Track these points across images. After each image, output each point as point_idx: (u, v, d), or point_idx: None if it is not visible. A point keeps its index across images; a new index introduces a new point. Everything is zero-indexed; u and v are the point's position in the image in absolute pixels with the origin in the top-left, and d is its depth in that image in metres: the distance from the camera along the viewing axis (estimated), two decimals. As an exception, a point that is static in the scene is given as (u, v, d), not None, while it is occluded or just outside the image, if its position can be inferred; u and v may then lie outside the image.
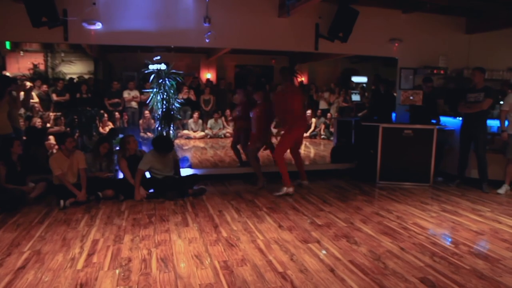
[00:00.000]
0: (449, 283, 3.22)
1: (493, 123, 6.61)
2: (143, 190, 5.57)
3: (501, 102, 6.42)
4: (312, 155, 9.59)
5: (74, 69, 12.78)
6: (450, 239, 4.25)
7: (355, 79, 14.08)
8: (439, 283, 3.23)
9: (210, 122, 11.76)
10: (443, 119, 7.14)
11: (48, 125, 9.07)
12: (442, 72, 7.68)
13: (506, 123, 6.11)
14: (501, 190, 6.13)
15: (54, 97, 10.14)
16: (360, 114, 8.08)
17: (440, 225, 4.70)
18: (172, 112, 6.80)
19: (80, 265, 3.49)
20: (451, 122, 7.04)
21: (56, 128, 8.83)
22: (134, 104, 11.06)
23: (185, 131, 11.49)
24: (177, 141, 9.58)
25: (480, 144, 6.24)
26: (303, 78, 14.41)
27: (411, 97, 6.84)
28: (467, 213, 5.15)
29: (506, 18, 7.08)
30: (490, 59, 7.83)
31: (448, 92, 7.65)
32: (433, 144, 6.53)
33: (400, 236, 4.28)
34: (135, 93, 11.05)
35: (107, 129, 9.35)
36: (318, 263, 3.56)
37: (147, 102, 9.94)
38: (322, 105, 12.70)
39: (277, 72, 14.37)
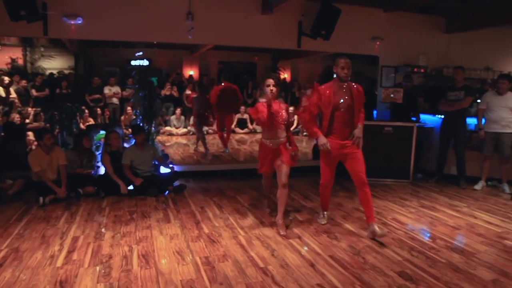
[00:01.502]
0: (426, 276, 3.30)
1: (471, 121, 6.75)
2: (125, 187, 5.54)
3: (478, 101, 6.57)
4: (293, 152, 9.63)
5: (54, 64, 12.58)
6: (427, 234, 4.34)
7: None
8: (416, 276, 3.30)
9: (193, 118, 11.70)
10: (423, 116, 7.27)
11: (27, 120, 8.92)
12: (422, 70, 7.80)
13: (483, 121, 6.26)
14: (478, 186, 6.28)
15: (34, 92, 9.96)
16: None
17: (418, 220, 4.79)
18: (153, 109, 6.74)
19: (59, 262, 3.46)
20: (431, 119, 7.16)
21: (35, 124, 8.69)
22: (115, 100, 10.95)
23: (168, 128, 11.42)
24: (159, 138, 9.50)
25: (460, 142, 6.38)
26: (286, 75, 14.48)
27: (391, 95, 6.94)
28: (444, 208, 5.26)
29: (483, 18, 7.23)
30: (468, 58, 7.98)
31: (428, 90, 7.78)
32: (413, 141, 6.64)
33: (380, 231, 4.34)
34: (116, 89, 10.94)
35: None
36: (299, 258, 3.60)
37: (130, 99, 9.89)
38: (305, 102, 12.75)
39: (260, 68, 14.44)
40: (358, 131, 4.20)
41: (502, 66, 8.94)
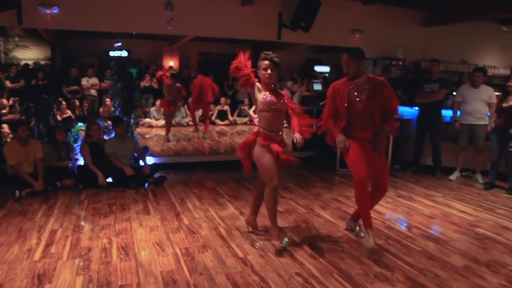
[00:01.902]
0: (401, 264, 3.38)
1: (447, 113, 6.89)
2: (103, 178, 5.49)
3: (454, 93, 6.71)
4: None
5: (29, 54, 12.30)
6: (404, 223, 4.44)
7: (318, 68, 14.27)
8: (392, 264, 3.39)
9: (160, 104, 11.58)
10: (401, 109, 7.37)
11: (4, 111, 8.72)
12: (400, 63, 7.92)
13: (459, 113, 6.40)
14: (453, 177, 6.44)
15: (8, 83, 9.75)
16: (321, 103, 8.21)
17: (395, 210, 4.90)
18: (132, 100, 6.68)
19: (37, 256, 3.42)
20: (408, 111, 7.28)
21: (10, 116, 8.51)
22: (93, 91, 10.80)
23: (147, 120, 11.33)
24: (138, 130, 9.43)
25: (435, 133, 6.52)
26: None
27: (370, 87, 7.01)
28: (421, 198, 5.38)
29: (460, 13, 7.39)
30: (445, 51, 8.14)
31: (406, 82, 7.90)
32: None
33: (357, 221, 4.43)
34: (94, 80, 10.79)
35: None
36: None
37: (108, 90, 9.75)
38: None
39: (241, 60, 14.39)
40: (379, 138, 3.63)
41: (477, 60, 9.15)
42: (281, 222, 4.31)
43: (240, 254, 3.52)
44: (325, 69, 14.15)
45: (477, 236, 4.10)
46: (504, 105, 5.75)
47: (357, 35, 7.40)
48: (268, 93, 3.53)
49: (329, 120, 3.74)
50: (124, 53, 13.14)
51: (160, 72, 9.67)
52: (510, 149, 5.71)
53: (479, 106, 6.17)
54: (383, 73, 7.38)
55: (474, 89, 6.23)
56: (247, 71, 3.49)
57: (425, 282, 3.11)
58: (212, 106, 12.26)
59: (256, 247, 3.67)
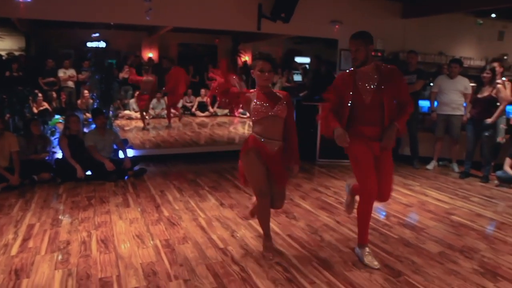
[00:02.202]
0: (379, 251, 3.46)
1: (424, 104, 7.01)
2: (81, 171, 5.42)
3: (431, 84, 6.82)
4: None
5: (2, 45, 11.95)
6: (382, 212, 4.52)
7: (298, 59, 14.30)
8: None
9: (153, 102, 11.50)
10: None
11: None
12: (379, 54, 7.99)
13: (436, 103, 6.52)
14: (430, 166, 6.57)
15: (-20, 75, 9.49)
16: (301, 94, 8.25)
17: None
18: (111, 92, 6.60)
19: (14, 250, 3.37)
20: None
21: (-16, 109, 8.31)
22: (70, 83, 10.60)
23: (126, 112, 11.19)
24: (118, 122, 9.32)
25: (413, 124, 6.61)
26: (247, 58, 14.44)
27: (349, 78, 7.07)
28: (398, 187, 5.48)
29: (438, 5, 7.48)
30: (423, 43, 8.26)
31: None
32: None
33: (337, 210, 4.50)
34: (72, 72, 10.58)
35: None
36: (258, 238, 3.67)
37: (86, 82, 9.60)
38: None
39: (221, 51, 14.32)
40: (386, 135, 3.14)
41: (454, 51, 9.33)
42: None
43: (221, 245, 3.54)
44: (306, 60, 14.19)
45: (452, 223, 4.21)
46: (479, 96, 5.87)
47: (337, 26, 7.43)
48: (257, 101, 3.11)
49: (330, 113, 3.23)
50: (102, 44, 12.93)
51: (132, 78, 9.81)
52: (485, 139, 5.86)
53: (455, 97, 6.28)
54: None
55: (450, 80, 6.34)
56: (235, 90, 3.15)
57: (402, 268, 3.19)
58: (192, 97, 12.22)
59: (237, 237, 3.70)
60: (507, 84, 6.11)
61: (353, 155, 3.23)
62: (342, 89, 3.22)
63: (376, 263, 3.20)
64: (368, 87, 3.16)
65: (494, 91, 5.70)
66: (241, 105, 3.23)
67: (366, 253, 3.27)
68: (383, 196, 3.31)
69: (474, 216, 4.46)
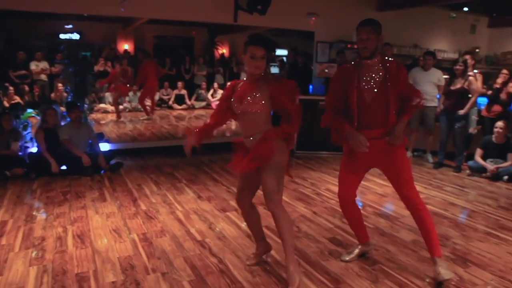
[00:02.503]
0: (355, 241, 3.49)
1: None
2: (56, 165, 5.32)
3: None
4: (233, 127, 9.71)
5: (-31, 37, 11.59)
6: (358, 202, 4.58)
7: (276, 52, 14.29)
8: (346, 241, 3.53)
9: (130, 95, 11.36)
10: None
11: None
12: (355, 46, 8.02)
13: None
14: (405, 156, 6.69)
15: None
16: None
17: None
18: (86, 85, 6.48)
19: (-14, 248, 3.31)
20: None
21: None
22: (43, 76, 10.36)
23: (102, 105, 11.01)
24: (93, 116, 9.18)
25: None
26: (224, 50, 14.38)
27: (326, 70, 7.15)
28: (375, 178, 5.57)
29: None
30: (398, 35, 8.37)
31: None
32: (346, 115, 6.90)
33: (313, 201, 4.56)
34: (44, 64, 10.33)
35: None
36: (236, 230, 3.70)
37: (60, 75, 9.41)
38: (243, 77, 12.79)
39: (198, 43, 14.20)
40: (395, 132, 2.78)
41: (428, 44, 9.49)
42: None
43: (198, 237, 3.54)
44: (283, 52, 14.20)
45: (425, 212, 4.31)
46: (452, 88, 6.00)
47: (313, 18, 7.46)
48: (234, 97, 2.78)
49: (335, 114, 2.89)
50: (75, 36, 12.65)
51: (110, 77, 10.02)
52: (457, 130, 6.00)
53: (429, 89, 6.40)
54: (338, 57, 7.51)
55: (424, 72, 6.46)
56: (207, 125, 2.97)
57: (377, 257, 3.26)
58: (169, 90, 12.11)
59: (214, 230, 3.71)
60: (479, 77, 6.27)
61: (343, 157, 3.05)
62: (345, 84, 2.85)
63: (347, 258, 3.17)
64: (370, 84, 2.81)
65: (466, 83, 5.84)
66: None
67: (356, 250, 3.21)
68: (407, 199, 2.96)
69: (447, 205, 4.58)
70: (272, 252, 3.29)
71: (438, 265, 2.84)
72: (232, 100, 2.79)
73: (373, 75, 2.81)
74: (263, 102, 2.70)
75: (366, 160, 2.93)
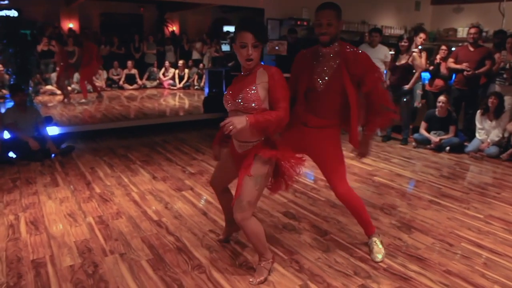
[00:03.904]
0: (307, 213, 3.68)
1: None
2: None
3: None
4: (186, 106, 9.65)
5: None
6: (311, 177, 4.76)
7: (227, 28, 14.19)
8: (299, 214, 3.68)
9: (76, 75, 10.96)
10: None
11: None
12: (305, 23, 8.17)
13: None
14: (354, 131, 6.94)
15: None
16: (229, 64, 8.28)
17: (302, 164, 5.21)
18: (29, 66, 6.20)
19: None
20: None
21: None
22: (-18, 57, 9.76)
23: (48, 87, 10.55)
24: (40, 98, 8.81)
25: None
26: (174, 28, 14.08)
27: (276, 47, 7.21)
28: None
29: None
30: (346, 12, 8.46)
31: (310, 42, 8.18)
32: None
33: (268, 177, 4.67)
34: (-19, 44, 9.72)
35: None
36: (192, 208, 3.76)
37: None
38: (195, 55, 12.66)
39: (146, 20, 13.82)
40: (362, 146, 2.85)
41: (376, 20, 9.74)
42: (193, 183, 4.42)
43: (155, 217, 3.58)
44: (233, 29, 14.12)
45: (374, 183, 4.55)
46: (397, 63, 6.24)
47: (263, -4, 7.48)
48: (228, 90, 2.53)
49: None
50: (13, 13, 11.93)
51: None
52: (403, 104, 6.28)
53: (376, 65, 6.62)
54: (289, 34, 7.59)
55: (371, 48, 6.64)
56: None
57: (328, 228, 3.43)
58: (119, 70, 11.78)
59: (170, 209, 3.75)
60: (423, 54, 6.55)
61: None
62: (300, 71, 2.79)
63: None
64: (325, 72, 2.70)
65: (410, 59, 6.09)
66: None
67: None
68: (332, 187, 2.92)
69: (394, 176, 4.84)
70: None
71: (371, 244, 2.99)
72: (226, 93, 2.55)
73: (330, 63, 2.69)
74: (255, 103, 2.38)
75: (299, 147, 2.85)
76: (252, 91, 2.38)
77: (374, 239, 3.01)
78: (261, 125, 2.37)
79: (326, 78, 2.69)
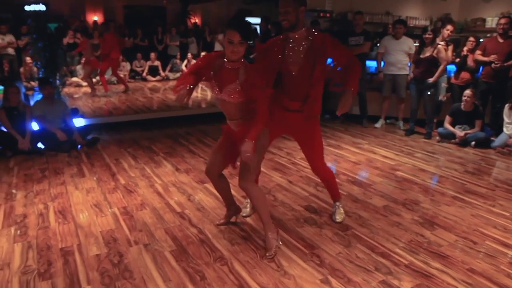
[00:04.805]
0: (329, 208, 3.68)
1: (371, 64, 7.24)
2: (23, 142, 5.25)
3: (378, 45, 7.03)
4: (208, 97, 9.71)
5: None
6: (332, 170, 4.75)
7: (249, 20, 14.15)
8: (321, 209, 3.69)
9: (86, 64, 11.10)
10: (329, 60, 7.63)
11: None
12: (328, 15, 8.10)
13: (382, 64, 6.76)
14: (378, 124, 6.90)
15: None
16: (252, 56, 8.27)
17: (324, 158, 5.20)
18: (57, 60, 6.34)
19: (-32, 226, 3.33)
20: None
21: None
22: (10, 50, 10.02)
23: (74, 79, 10.78)
24: (66, 90, 9.00)
25: (361, 84, 6.80)
26: (196, 20, 14.16)
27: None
28: (348, 146, 5.75)
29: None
30: (370, 3, 8.42)
31: (333, 35, 8.11)
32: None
33: (289, 170, 4.70)
34: (10, 37, 9.97)
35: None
36: (214, 201, 3.81)
37: (27, 49, 9.12)
38: (217, 47, 12.71)
39: (170, 13, 13.92)
40: (343, 100, 3.04)
41: (400, 11, 9.58)
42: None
43: (178, 209, 3.65)
44: (257, 20, 14.07)
45: (396, 178, 4.51)
46: (422, 56, 6.14)
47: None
48: (215, 79, 2.76)
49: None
50: (41, 7, 12.19)
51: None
52: (427, 98, 6.18)
53: (400, 57, 6.54)
54: (312, 26, 7.53)
55: (395, 40, 6.57)
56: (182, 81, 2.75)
57: (349, 222, 3.43)
58: (142, 62, 11.92)
59: (193, 201, 3.81)
60: (450, 46, 6.41)
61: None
62: (271, 55, 2.96)
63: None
64: (296, 57, 2.92)
65: (435, 51, 5.98)
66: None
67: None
68: (314, 169, 3.37)
69: (417, 171, 4.79)
70: (249, 220, 3.43)
71: (335, 207, 3.48)
72: (213, 81, 2.76)
73: (299, 48, 2.93)
74: (240, 98, 2.70)
75: (282, 128, 3.18)
76: (237, 89, 2.68)
77: (338, 203, 3.49)
78: (259, 132, 2.70)
79: (299, 62, 2.93)
